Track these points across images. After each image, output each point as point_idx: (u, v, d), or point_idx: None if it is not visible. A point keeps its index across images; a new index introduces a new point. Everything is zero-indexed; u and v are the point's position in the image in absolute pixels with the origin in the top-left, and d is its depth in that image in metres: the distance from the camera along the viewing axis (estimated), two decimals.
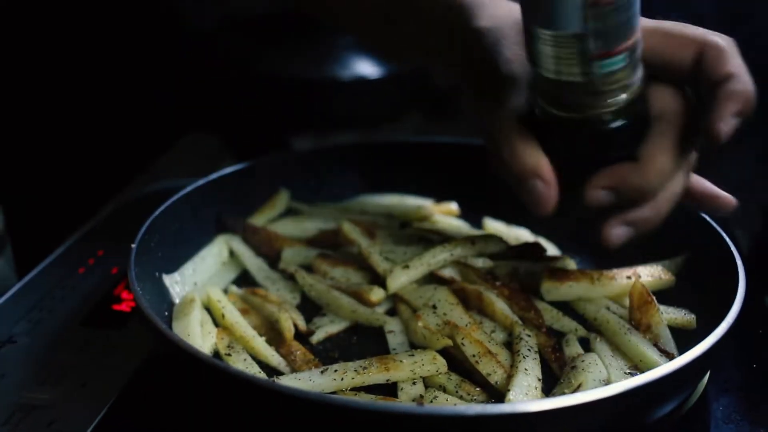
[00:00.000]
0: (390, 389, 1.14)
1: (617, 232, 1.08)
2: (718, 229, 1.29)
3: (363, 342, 1.29)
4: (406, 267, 1.31)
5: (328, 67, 2.30)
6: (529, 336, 1.19)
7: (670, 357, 1.16)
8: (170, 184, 1.85)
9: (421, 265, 1.31)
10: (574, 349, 1.21)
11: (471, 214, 1.67)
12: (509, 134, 1.05)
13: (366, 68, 2.30)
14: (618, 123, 1.00)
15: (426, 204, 1.67)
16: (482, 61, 1.10)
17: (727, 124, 0.96)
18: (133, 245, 1.26)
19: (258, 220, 1.57)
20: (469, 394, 1.11)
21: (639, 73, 1.00)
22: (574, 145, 1.05)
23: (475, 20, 1.11)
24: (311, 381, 1.10)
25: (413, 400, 1.10)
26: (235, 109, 2.35)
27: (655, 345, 1.18)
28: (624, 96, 0.99)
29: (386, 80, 2.31)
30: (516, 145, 1.04)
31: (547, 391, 1.13)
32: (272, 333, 1.27)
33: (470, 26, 1.11)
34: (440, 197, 1.71)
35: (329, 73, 2.29)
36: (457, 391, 1.12)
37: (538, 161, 1.04)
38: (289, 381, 1.10)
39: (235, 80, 2.33)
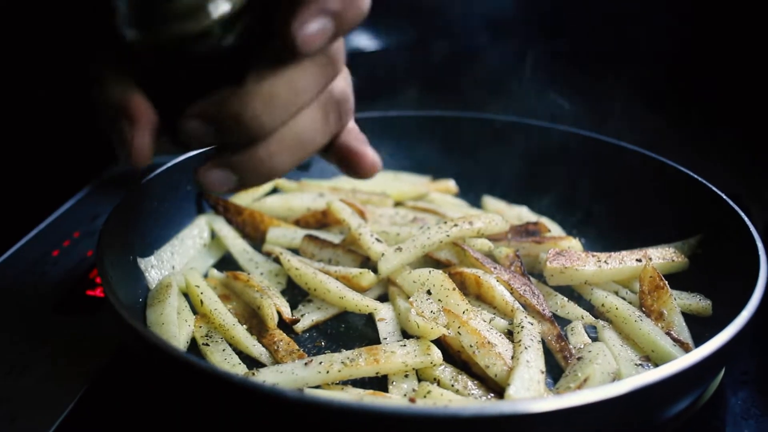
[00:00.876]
0: (380, 382, 1.06)
1: (213, 174, 0.84)
2: (735, 206, 1.20)
3: (352, 331, 1.21)
4: (399, 249, 1.22)
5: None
6: (531, 324, 1.10)
7: (685, 347, 1.08)
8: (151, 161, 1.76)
9: (415, 248, 1.22)
10: (580, 337, 1.12)
11: (470, 192, 1.59)
12: (98, 73, 0.83)
13: (361, 41, 2.21)
14: (220, 43, 0.78)
15: (422, 181, 1.58)
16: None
17: (306, 26, 0.76)
18: (102, 227, 1.16)
19: (242, 199, 1.49)
20: (466, 388, 1.03)
21: None
22: (169, 76, 0.81)
23: None
24: (294, 374, 1.02)
25: (404, 396, 1.01)
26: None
27: (668, 334, 1.10)
28: (224, 4, 0.77)
29: (382, 53, 2.22)
30: (103, 84, 0.82)
31: (551, 384, 1.05)
32: (254, 321, 1.19)
33: None
34: (437, 174, 1.63)
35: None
36: (453, 385, 1.03)
37: (124, 97, 0.80)
38: (269, 374, 1.02)
39: None
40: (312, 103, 0.84)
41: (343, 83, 0.88)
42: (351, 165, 0.93)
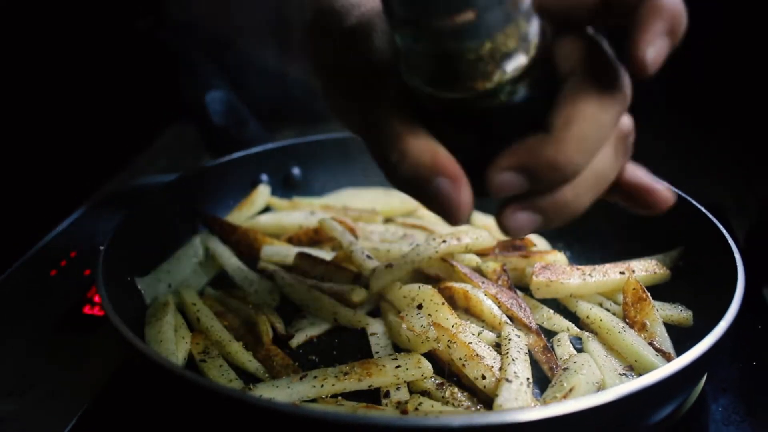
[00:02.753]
0: (373, 395, 1.09)
1: (519, 218, 0.82)
2: (714, 220, 1.24)
3: (345, 345, 1.24)
4: (390, 266, 1.25)
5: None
6: (518, 336, 1.13)
7: (667, 356, 1.11)
8: (146, 180, 1.79)
9: (405, 264, 1.25)
10: (565, 349, 1.16)
11: None
12: (391, 128, 0.80)
13: None
14: (519, 94, 0.76)
15: (411, 198, 1.60)
16: (354, 58, 0.89)
17: (654, 47, 0.74)
18: (102, 248, 1.19)
19: (236, 217, 1.52)
20: (455, 400, 1.06)
21: (534, 25, 0.76)
22: (470, 129, 0.80)
23: (347, 20, 0.91)
24: (289, 388, 1.05)
25: (397, 407, 1.04)
26: (214, 102, 2.29)
27: (651, 344, 1.13)
28: (519, 57, 0.75)
29: None
30: (402, 139, 0.79)
31: (538, 394, 1.08)
32: (250, 337, 1.21)
33: (342, 27, 0.91)
34: None
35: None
36: (443, 397, 1.06)
37: (434, 154, 0.78)
38: (265, 389, 1.05)
39: (216, 71, 2.27)
40: (610, 139, 0.81)
41: (626, 116, 0.85)
42: (643, 200, 0.90)
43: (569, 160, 0.76)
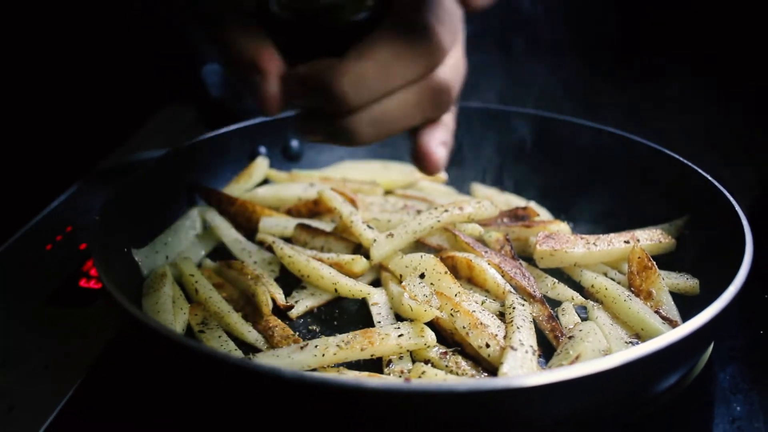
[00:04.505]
0: (375, 365, 1.07)
1: (305, 125, 0.90)
2: (721, 187, 1.22)
3: (345, 316, 1.22)
4: (391, 235, 1.23)
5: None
6: (522, 305, 1.12)
7: (674, 324, 1.10)
8: (143, 155, 1.77)
9: (406, 233, 1.23)
10: (571, 318, 1.14)
11: (459, 180, 1.60)
12: (231, 29, 0.87)
13: None
14: (341, 20, 0.84)
15: (411, 170, 1.59)
16: None
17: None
18: (97, 218, 1.17)
19: (234, 189, 1.50)
20: (459, 369, 1.04)
21: None
22: (291, 35, 0.87)
23: None
24: (290, 358, 1.03)
25: (400, 376, 1.02)
26: (210, 75, 2.26)
27: (657, 312, 1.12)
28: None
29: None
30: (236, 39, 0.86)
31: (544, 363, 1.07)
32: (249, 308, 1.20)
33: None
34: None
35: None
36: (447, 365, 1.04)
37: (255, 51, 0.85)
38: (266, 358, 1.03)
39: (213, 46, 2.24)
40: (407, 88, 0.85)
41: (450, 73, 0.88)
42: (415, 158, 0.93)
43: (343, 91, 0.81)
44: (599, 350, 1.03)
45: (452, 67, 0.89)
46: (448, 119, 0.94)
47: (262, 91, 0.85)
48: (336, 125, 0.85)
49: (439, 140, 0.92)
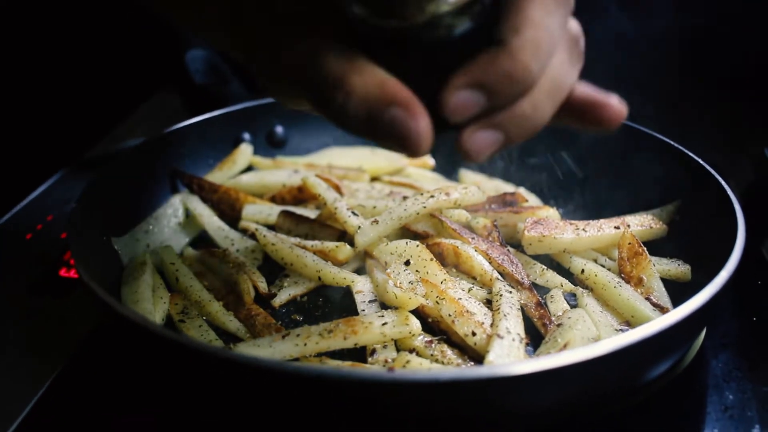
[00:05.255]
0: (359, 354, 1.05)
1: (480, 138, 0.76)
2: (713, 172, 1.19)
3: (329, 304, 1.20)
4: (376, 222, 1.20)
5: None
6: (510, 293, 1.09)
7: (665, 311, 1.08)
8: (126, 144, 1.74)
9: (391, 220, 1.21)
10: (559, 305, 1.12)
11: (447, 166, 1.57)
12: (332, 62, 0.73)
13: None
14: (461, 26, 0.73)
15: (398, 156, 1.56)
16: None
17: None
18: (74, 204, 1.14)
19: (217, 176, 1.47)
20: (445, 357, 1.01)
21: None
22: (416, 60, 0.75)
23: None
24: (271, 347, 1.00)
25: (383, 366, 1.00)
26: (195, 61, 2.23)
27: (648, 299, 1.09)
28: None
29: None
30: (347, 74, 0.72)
31: (531, 351, 1.04)
32: (231, 297, 1.17)
33: None
34: None
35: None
36: (432, 354, 1.02)
37: (383, 84, 0.72)
38: (246, 348, 1.01)
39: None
40: (561, 44, 0.78)
41: (573, 20, 0.81)
42: (595, 115, 0.84)
43: (526, 67, 0.72)
44: (588, 338, 1.01)
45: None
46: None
47: (415, 128, 0.72)
48: (517, 113, 0.76)
49: (594, 89, 0.84)
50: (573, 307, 1.12)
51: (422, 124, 0.72)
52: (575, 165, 1.44)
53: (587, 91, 0.83)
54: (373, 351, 1.03)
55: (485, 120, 0.75)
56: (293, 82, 0.78)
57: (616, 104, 0.83)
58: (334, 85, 0.73)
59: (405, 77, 0.73)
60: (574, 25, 0.80)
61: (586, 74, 0.85)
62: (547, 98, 0.77)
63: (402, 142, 0.73)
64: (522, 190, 1.41)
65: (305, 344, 1.01)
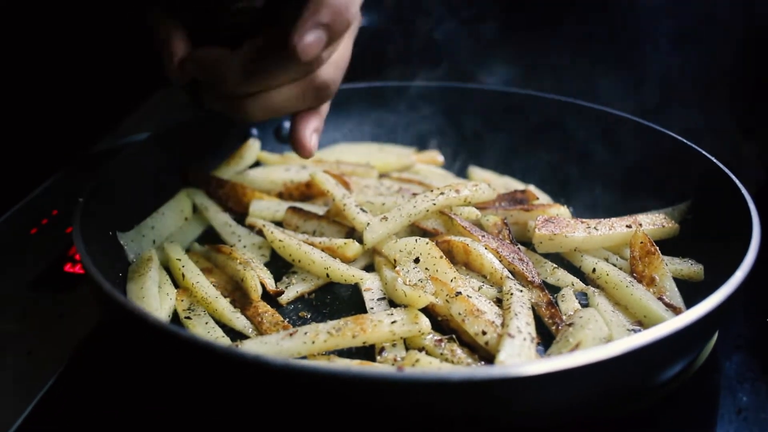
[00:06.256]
0: (367, 352, 1.03)
1: (207, 96, 1.12)
2: (726, 170, 1.18)
3: (337, 302, 1.18)
4: (385, 219, 1.19)
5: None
6: (520, 291, 1.08)
7: (677, 312, 1.06)
8: (132, 139, 1.73)
9: (401, 217, 1.19)
10: (570, 304, 1.10)
11: (456, 163, 1.56)
12: (154, 15, 1.10)
13: None
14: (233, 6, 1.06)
15: (407, 153, 1.55)
16: None
17: (306, 38, 0.94)
18: (81, 199, 1.13)
19: (224, 172, 1.45)
20: (455, 357, 1.00)
21: None
22: (199, 23, 1.09)
23: None
24: (278, 345, 0.99)
25: (393, 364, 0.98)
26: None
27: (660, 299, 1.08)
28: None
29: (366, 31, 2.18)
30: (155, 22, 1.09)
31: (542, 351, 1.03)
32: (237, 294, 1.16)
33: None
34: (422, 146, 1.60)
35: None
36: (441, 353, 1.00)
37: (167, 34, 1.08)
38: (254, 345, 0.99)
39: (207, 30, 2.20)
40: (292, 83, 1.07)
41: (332, 72, 1.10)
42: (291, 142, 1.16)
43: (233, 81, 1.04)
44: (600, 338, 0.99)
45: (334, 65, 1.10)
46: (324, 108, 1.17)
47: (167, 66, 1.08)
48: (231, 104, 1.08)
49: (312, 128, 1.15)
50: (584, 306, 1.10)
51: (173, 64, 1.08)
52: (587, 162, 1.43)
53: (302, 124, 1.14)
54: (382, 349, 1.02)
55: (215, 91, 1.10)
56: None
57: (305, 145, 1.15)
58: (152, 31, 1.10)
59: (198, 33, 1.10)
60: (325, 76, 1.09)
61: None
62: (258, 109, 1.09)
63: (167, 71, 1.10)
64: (532, 188, 1.40)
65: (313, 342, 0.99)
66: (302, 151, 1.14)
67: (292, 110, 1.11)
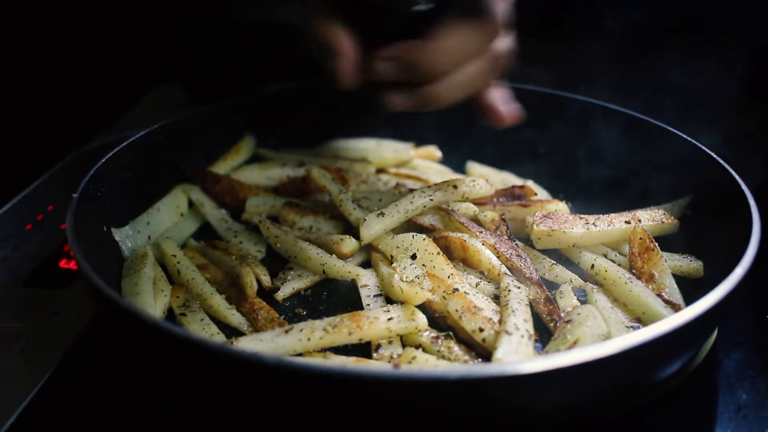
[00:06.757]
0: (364, 349, 1.03)
1: (395, 97, 1.13)
2: (726, 166, 1.17)
3: (334, 298, 1.17)
4: (381, 214, 1.18)
5: (303, 11, 2.16)
6: (518, 288, 1.07)
7: (677, 308, 1.05)
8: (129, 134, 1.72)
9: (397, 212, 1.18)
10: (569, 301, 1.09)
11: (454, 158, 1.55)
12: (316, 19, 1.11)
13: None
14: (419, 7, 1.09)
15: (404, 148, 1.54)
16: None
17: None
18: (75, 195, 1.12)
19: (220, 167, 1.44)
20: (452, 354, 0.99)
21: None
22: (377, 25, 1.11)
23: None
24: (274, 342, 0.98)
25: (389, 362, 0.98)
26: (205, 59, 2.21)
27: (659, 295, 1.07)
28: None
29: None
30: (318, 26, 1.11)
31: (540, 348, 1.02)
32: (233, 290, 1.15)
33: None
34: (420, 141, 1.59)
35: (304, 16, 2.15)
36: (438, 350, 1.00)
37: (332, 34, 1.10)
38: (249, 342, 0.98)
39: (206, 27, 2.19)
40: (479, 57, 1.11)
41: (505, 44, 1.16)
42: (488, 114, 1.20)
43: (429, 65, 1.08)
44: (598, 335, 0.98)
45: (507, 40, 1.16)
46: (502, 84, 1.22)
47: (338, 69, 1.09)
48: (423, 93, 1.11)
49: (503, 97, 1.20)
50: (582, 302, 1.09)
51: (343, 67, 1.10)
52: (585, 158, 1.42)
53: (492, 96, 1.19)
54: (379, 346, 1.01)
55: (404, 88, 1.12)
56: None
57: (503, 115, 1.20)
58: (310, 30, 1.13)
59: (363, 35, 1.11)
60: (502, 46, 1.15)
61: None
62: (455, 89, 1.12)
63: (330, 75, 1.11)
64: (531, 183, 1.38)
65: (309, 339, 0.98)
66: (505, 120, 1.20)
67: (480, 85, 1.16)
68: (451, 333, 1.03)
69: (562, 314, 1.06)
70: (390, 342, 1.01)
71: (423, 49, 1.07)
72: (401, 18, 1.09)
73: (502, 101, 1.19)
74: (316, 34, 1.11)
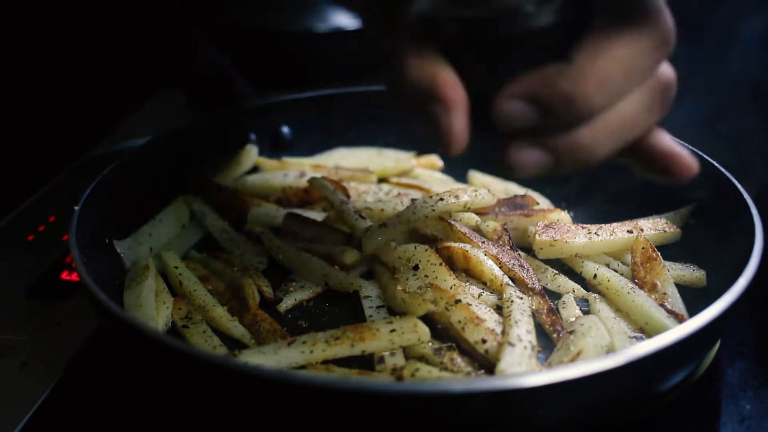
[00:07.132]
0: (366, 361, 1.02)
1: (526, 153, 0.75)
2: (728, 175, 1.16)
3: (336, 309, 1.17)
4: (384, 225, 1.18)
5: (304, 19, 2.16)
6: (521, 298, 1.07)
7: (680, 318, 1.04)
8: (130, 143, 1.72)
9: (400, 223, 1.18)
10: (571, 311, 1.09)
11: (456, 167, 1.55)
12: (401, 48, 0.76)
13: (343, 19, 2.15)
14: (540, 20, 0.72)
15: (406, 157, 1.54)
16: None
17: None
18: (76, 207, 1.12)
19: (222, 178, 1.44)
20: (455, 365, 0.99)
21: None
22: (485, 55, 0.75)
23: None
24: (277, 355, 0.98)
25: (392, 374, 0.97)
26: (207, 66, 2.22)
27: (662, 305, 1.07)
28: None
29: (362, 32, 2.18)
30: (408, 59, 0.75)
31: (543, 359, 1.02)
32: (235, 302, 1.15)
33: None
34: (421, 150, 1.58)
35: (305, 24, 2.15)
36: (441, 362, 0.99)
37: (434, 74, 0.74)
38: (251, 355, 0.98)
39: (208, 34, 2.20)
40: (643, 85, 0.76)
41: (669, 68, 0.79)
42: (664, 165, 0.82)
43: (588, 94, 0.71)
44: (601, 346, 0.98)
45: (668, 63, 0.79)
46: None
47: (447, 125, 0.73)
48: (571, 141, 0.74)
49: (672, 139, 0.82)
50: (585, 313, 1.09)
51: (457, 125, 0.73)
52: (587, 167, 1.41)
53: (663, 139, 0.81)
54: (381, 358, 1.01)
55: (537, 139, 0.74)
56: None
57: (687, 158, 0.81)
58: (397, 64, 0.76)
59: (469, 71, 0.74)
60: (667, 71, 0.78)
61: None
62: (609, 135, 0.75)
63: (437, 136, 0.75)
64: (532, 193, 1.38)
65: (311, 351, 0.98)
66: (691, 168, 0.81)
67: (643, 127, 0.78)
68: (453, 344, 1.03)
69: (565, 325, 1.06)
70: (393, 354, 1.01)
71: (576, 76, 0.71)
72: (521, 37, 0.73)
73: (675, 143, 0.81)
74: (412, 74, 0.74)
